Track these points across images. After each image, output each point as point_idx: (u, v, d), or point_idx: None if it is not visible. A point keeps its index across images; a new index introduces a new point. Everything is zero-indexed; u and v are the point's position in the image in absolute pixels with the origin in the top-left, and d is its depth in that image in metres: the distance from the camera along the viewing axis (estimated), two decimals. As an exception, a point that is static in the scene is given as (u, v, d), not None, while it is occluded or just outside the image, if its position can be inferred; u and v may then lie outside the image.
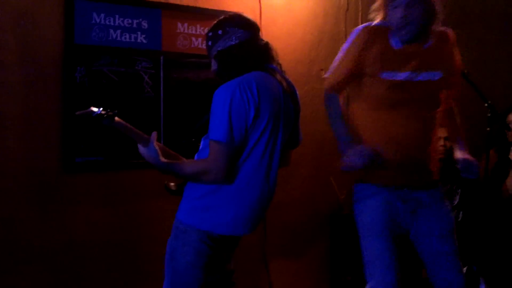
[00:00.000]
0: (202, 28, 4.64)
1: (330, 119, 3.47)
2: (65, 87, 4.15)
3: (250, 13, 3.22)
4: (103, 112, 2.96)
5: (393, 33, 3.26)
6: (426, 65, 3.28)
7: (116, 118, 3.00)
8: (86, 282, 4.27)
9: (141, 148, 2.99)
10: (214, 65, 3.09)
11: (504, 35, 6.28)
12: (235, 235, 3.03)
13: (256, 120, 2.89)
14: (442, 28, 3.37)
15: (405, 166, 3.29)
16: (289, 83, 3.15)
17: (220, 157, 2.86)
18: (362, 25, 3.38)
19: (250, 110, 2.86)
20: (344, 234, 5.08)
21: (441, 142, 4.98)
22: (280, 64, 3.15)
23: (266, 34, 3.16)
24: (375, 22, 3.32)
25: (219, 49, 3.03)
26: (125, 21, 4.39)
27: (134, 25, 4.43)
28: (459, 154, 3.45)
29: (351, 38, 3.38)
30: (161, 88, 4.52)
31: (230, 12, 3.30)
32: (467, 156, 3.42)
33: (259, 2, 4.97)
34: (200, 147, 3.08)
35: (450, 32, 3.42)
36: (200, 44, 4.66)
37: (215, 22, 3.11)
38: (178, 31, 4.61)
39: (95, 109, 2.96)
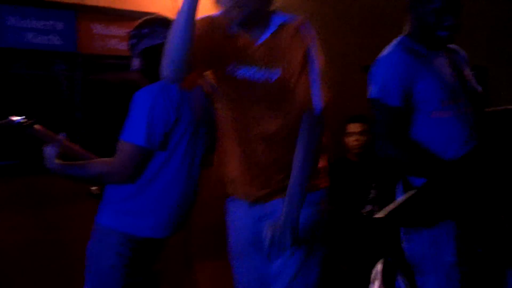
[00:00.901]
0: (119, 29, 4.61)
1: None
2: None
3: (168, 14, 3.22)
4: (23, 121, 2.92)
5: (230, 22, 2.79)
6: (261, 61, 2.79)
7: (36, 126, 2.96)
8: (5, 286, 4.20)
9: (45, 149, 2.92)
10: (136, 64, 3.09)
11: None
12: (157, 238, 3.04)
13: (176, 124, 2.90)
14: (293, 19, 2.88)
15: (250, 178, 2.89)
16: (210, 86, 3.18)
17: (128, 159, 2.85)
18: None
19: (170, 114, 2.87)
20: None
21: (355, 137, 5.11)
22: None
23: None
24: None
25: (144, 47, 3.04)
26: (40, 23, 4.32)
27: (49, 27, 4.36)
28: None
29: None
30: (79, 90, 4.47)
31: (149, 13, 3.30)
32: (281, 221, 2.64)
33: (175, 2, 4.96)
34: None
35: (300, 24, 2.87)
36: (117, 45, 4.63)
37: (141, 21, 3.12)
38: (94, 32, 4.57)
39: (15, 118, 2.91)
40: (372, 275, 4.15)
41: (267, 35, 2.79)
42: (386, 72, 2.93)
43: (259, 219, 2.85)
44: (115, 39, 4.65)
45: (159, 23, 3.07)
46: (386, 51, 3.03)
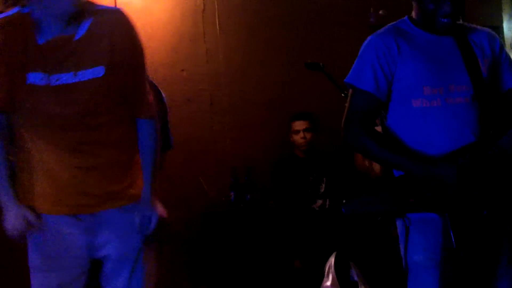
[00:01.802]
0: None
1: None
2: None
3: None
4: None
5: (39, 22, 2.45)
6: (78, 62, 2.45)
7: None
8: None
9: None
10: None
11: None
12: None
13: None
14: (109, 9, 2.57)
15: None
16: (152, 86, 3.17)
17: None
18: None
19: None
20: (217, 231, 5.14)
21: (301, 134, 5.15)
22: None
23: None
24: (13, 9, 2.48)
25: None
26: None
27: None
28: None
29: None
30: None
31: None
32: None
33: (115, 5, 4.96)
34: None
35: (117, 13, 2.54)
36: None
37: None
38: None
39: None
40: (326, 269, 4.20)
41: (83, 31, 2.45)
42: (362, 54, 2.70)
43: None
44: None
45: None
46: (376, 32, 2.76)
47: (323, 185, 5.09)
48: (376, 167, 4.52)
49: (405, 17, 2.74)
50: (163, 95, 3.24)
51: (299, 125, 5.18)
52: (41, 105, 2.43)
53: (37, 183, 2.51)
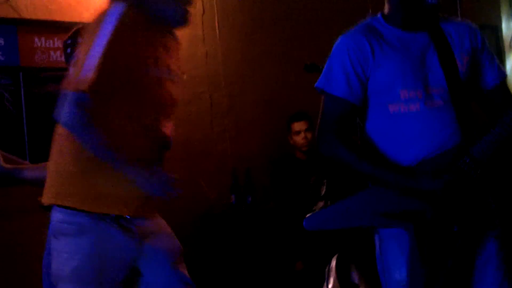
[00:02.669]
0: (59, 41, 4.59)
1: None
2: None
3: (107, 24, 3.23)
4: None
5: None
6: None
7: None
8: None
9: None
10: None
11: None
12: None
13: None
14: None
15: None
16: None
17: None
18: None
19: None
20: (218, 233, 5.16)
21: (302, 135, 5.16)
22: None
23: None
24: None
25: None
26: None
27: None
28: None
29: None
30: (23, 104, 4.46)
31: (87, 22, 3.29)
32: None
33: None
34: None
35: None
36: (59, 57, 4.62)
37: (73, 30, 3.11)
38: (35, 45, 4.56)
39: None
40: (327, 271, 4.21)
41: None
42: (333, 56, 2.49)
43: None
44: (56, 52, 4.64)
45: None
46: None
47: (324, 187, 5.08)
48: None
49: (378, 14, 2.54)
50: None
51: (299, 125, 5.18)
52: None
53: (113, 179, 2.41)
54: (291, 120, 5.25)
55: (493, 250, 2.40)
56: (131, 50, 2.40)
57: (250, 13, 5.75)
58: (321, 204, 5.01)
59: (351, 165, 2.41)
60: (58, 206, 2.46)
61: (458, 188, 2.29)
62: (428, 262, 2.28)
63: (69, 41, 3.08)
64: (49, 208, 3.04)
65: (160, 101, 2.61)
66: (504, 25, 6.94)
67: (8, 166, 2.91)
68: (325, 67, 2.51)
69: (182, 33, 5.38)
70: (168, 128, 2.63)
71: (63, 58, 4.27)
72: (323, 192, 5.06)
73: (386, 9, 2.51)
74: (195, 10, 5.46)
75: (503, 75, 2.55)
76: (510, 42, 6.84)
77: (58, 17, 4.68)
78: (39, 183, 3.00)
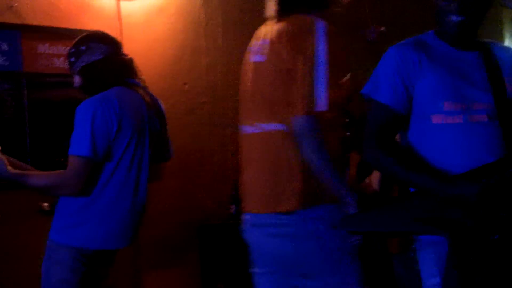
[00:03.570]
0: (63, 47, 4.61)
1: None
2: None
3: (110, 31, 3.25)
4: None
5: None
6: None
7: None
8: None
9: None
10: (77, 81, 3.11)
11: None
12: (109, 250, 3.06)
13: (119, 134, 2.94)
14: None
15: None
16: (152, 98, 3.21)
17: (79, 171, 2.88)
18: None
19: (113, 125, 2.91)
20: (215, 244, 5.16)
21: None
22: (143, 79, 3.20)
23: (127, 51, 3.21)
24: None
25: (83, 64, 3.06)
26: (-16, 45, 4.35)
27: (-6, 48, 4.38)
28: None
29: None
30: (25, 109, 4.48)
31: (92, 30, 3.33)
32: None
33: (119, 20, 5.00)
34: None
35: None
36: (62, 64, 4.64)
37: (77, 38, 3.14)
38: (39, 51, 4.59)
39: None
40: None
41: None
42: (381, 64, 2.52)
43: None
44: (59, 58, 4.66)
45: (96, 39, 3.10)
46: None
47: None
48: (374, 182, 4.51)
49: (431, 31, 2.56)
50: (162, 106, 3.27)
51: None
52: None
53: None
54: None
55: None
56: (340, 64, 2.52)
57: (253, 25, 5.74)
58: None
59: (391, 171, 2.43)
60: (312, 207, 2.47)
61: (497, 194, 2.24)
62: (464, 271, 2.25)
63: (73, 50, 3.11)
64: (49, 212, 3.08)
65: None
66: (507, 43, 6.97)
67: (14, 172, 2.93)
68: (372, 74, 2.54)
69: (184, 44, 5.47)
70: None
71: (65, 65, 4.33)
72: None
73: (438, 27, 2.52)
74: (198, 21, 5.51)
75: None
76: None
77: (60, 24, 4.70)
78: (43, 191, 3.03)
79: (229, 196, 5.29)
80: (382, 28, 5.89)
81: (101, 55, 3.04)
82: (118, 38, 3.26)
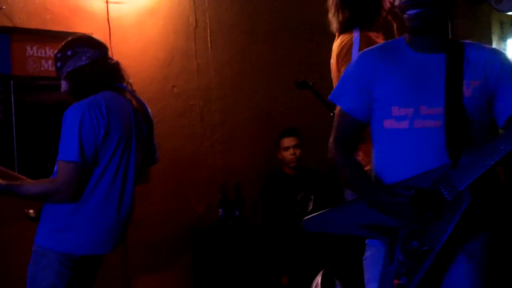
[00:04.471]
0: (51, 50, 4.61)
1: None
2: None
3: (100, 34, 3.26)
4: None
5: None
6: None
7: None
8: None
9: None
10: (64, 86, 3.09)
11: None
12: (95, 255, 3.05)
13: (106, 139, 2.93)
14: None
15: None
16: (139, 102, 3.20)
17: (70, 177, 2.86)
18: None
19: (99, 130, 2.90)
20: (206, 247, 5.16)
21: (291, 151, 5.18)
22: (130, 83, 3.19)
23: (118, 54, 3.22)
24: None
25: (69, 69, 3.04)
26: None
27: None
28: None
29: None
30: (13, 112, 4.46)
31: (78, 33, 3.31)
32: None
33: (108, 22, 4.98)
34: (55, 170, 3.02)
35: None
36: (50, 67, 4.63)
37: (63, 43, 3.12)
38: (27, 54, 4.57)
39: None
40: (313, 286, 4.22)
41: None
42: (345, 71, 2.57)
43: None
44: (48, 61, 4.65)
45: (82, 44, 3.08)
46: None
47: (311, 203, 5.11)
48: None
49: (403, 35, 2.52)
50: (149, 111, 3.26)
51: (288, 141, 5.22)
52: None
53: None
54: (281, 136, 5.28)
55: (463, 271, 2.38)
56: None
57: (243, 28, 5.78)
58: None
59: (345, 175, 2.54)
60: None
61: (427, 208, 2.28)
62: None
63: (59, 55, 3.09)
64: (35, 218, 3.06)
65: None
66: (494, 46, 6.99)
67: (6, 183, 2.91)
68: (339, 80, 2.59)
69: (174, 46, 5.47)
70: None
71: (54, 68, 4.31)
72: (310, 208, 5.08)
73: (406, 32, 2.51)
74: (188, 23, 5.50)
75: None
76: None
77: (52, 27, 4.69)
78: (34, 199, 3.01)
79: (218, 200, 5.28)
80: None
81: (88, 60, 3.03)
82: (107, 41, 3.24)
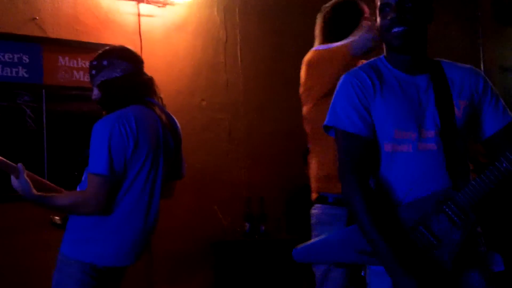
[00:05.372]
0: (83, 61, 4.67)
1: None
2: None
3: (130, 46, 3.26)
4: None
5: None
6: None
7: None
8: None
9: (14, 181, 2.91)
10: (96, 94, 3.11)
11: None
12: (119, 266, 3.06)
13: (135, 153, 2.94)
14: None
15: None
16: (168, 117, 3.21)
17: (99, 190, 2.87)
18: None
19: (129, 143, 2.91)
20: (228, 261, 5.16)
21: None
22: (161, 98, 3.20)
23: (147, 66, 3.22)
24: None
25: (103, 79, 3.06)
26: (6, 56, 4.41)
27: (15, 60, 4.44)
28: None
29: None
30: (44, 121, 4.52)
31: (117, 45, 3.33)
32: None
33: (140, 35, 5.04)
34: (82, 179, 3.08)
35: None
36: (81, 77, 4.69)
37: (101, 52, 3.13)
38: (59, 64, 4.64)
39: None
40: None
41: None
42: (337, 94, 2.45)
43: None
44: (79, 71, 4.71)
45: (119, 56, 3.09)
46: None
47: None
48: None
49: (382, 55, 2.48)
50: (178, 126, 3.27)
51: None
52: None
53: None
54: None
55: None
56: None
57: (272, 43, 5.80)
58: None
59: (358, 218, 2.31)
60: None
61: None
62: None
63: (95, 63, 3.11)
64: (61, 226, 3.08)
65: None
66: (483, 58, 6.90)
67: (38, 194, 2.93)
68: (331, 106, 2.45)
69: (204, 60, 5.50)
70: None
71: (85, 78, 4.36)
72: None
73: (384, 52, 2.49)
74: (218, 38, 5.54)
75: (508, 120, 2.45)
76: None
77: (83, 38, 4.75)
78: (64, 211, 3.04)
79: (242, 214, 5.29)
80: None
81: (122, 73, 3.04)
82: (138, 53, 3.26)
